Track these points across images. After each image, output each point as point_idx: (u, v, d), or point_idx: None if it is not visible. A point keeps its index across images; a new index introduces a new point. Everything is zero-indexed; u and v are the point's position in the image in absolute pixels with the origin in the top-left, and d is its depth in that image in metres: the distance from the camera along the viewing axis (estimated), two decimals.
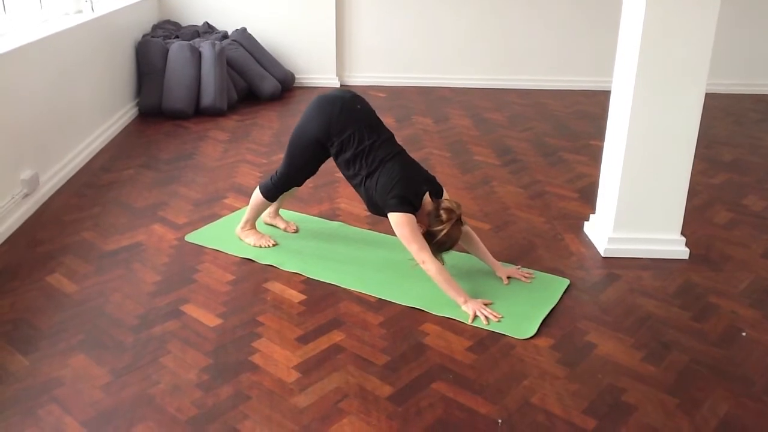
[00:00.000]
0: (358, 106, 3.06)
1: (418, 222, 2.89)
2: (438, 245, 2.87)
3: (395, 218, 2.86)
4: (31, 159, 3.77)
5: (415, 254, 2.84)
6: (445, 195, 3.06)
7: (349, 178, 3.06)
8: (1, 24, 3.97)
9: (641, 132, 3.16)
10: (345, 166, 3.03)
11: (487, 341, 2.64)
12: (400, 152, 3.02)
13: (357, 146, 2.95)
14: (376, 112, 3.15)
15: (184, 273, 3.10)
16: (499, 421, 2.22)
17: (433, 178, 3.07)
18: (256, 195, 3.31)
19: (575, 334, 2.70)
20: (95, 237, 3.44)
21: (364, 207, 3.13)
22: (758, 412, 2.30)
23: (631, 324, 2.78)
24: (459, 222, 2.88)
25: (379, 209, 2.99)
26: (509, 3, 6.59)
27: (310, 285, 3.02)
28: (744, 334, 2.74)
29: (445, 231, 2.83)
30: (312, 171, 3.22)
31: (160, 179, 4.22)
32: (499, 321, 2.74)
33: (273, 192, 3.27)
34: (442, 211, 2.85)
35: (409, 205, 2.88)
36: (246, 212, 3.39)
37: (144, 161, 4.54)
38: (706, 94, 3.16)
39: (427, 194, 2.95)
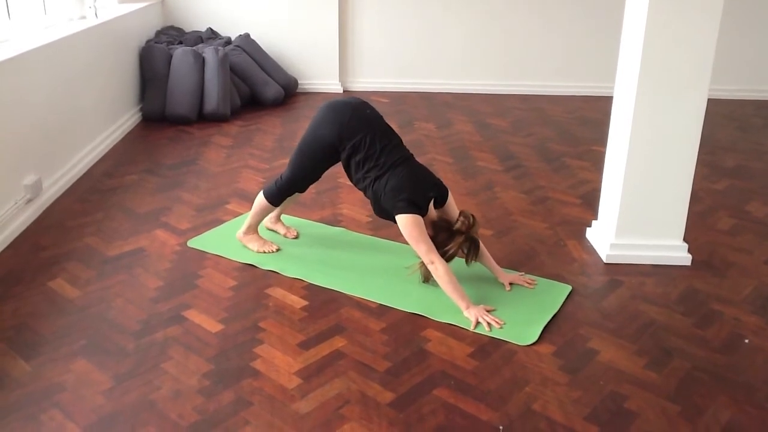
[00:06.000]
0: (368, 111, 3.10)
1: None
2: (446, 258, 2.90)
3: (403, 220, 2.88)
4: (35, 164, 3.78)
5: (424, 255, 2.85)
6: (450, 200, 3.08)
7: (357, 181, 3.08)
8: (5, 30, 3.99)
9: (643, 138, 3.16)
10: (354, 169, 3.04)
11: (488, 347, 2.63)
12: (409, 157, 3.05)
13: (368, 150, 2.98)
14: None
15: (186, 278, 3.11)
16: (501, 427, 2.21)
17: (440, 181, 3.09)
18: (260, 200, 3.31)
19: (577, 340, 2.70)
20: (98, 242, 3.45)
21: (369, 211, 3.14)
22: (761, 419, 2.29)
23: (634, 330, 2.78)
24: (470, 236, 2.93)
25: (385, 213, 3.00)
26: (511, 9, 6.61)
27: (311, 291, 3.02)
28: (747, 341, 2.73)
29: (453, 248, 2.89)
30: (317, 176, 3.23)
31: (163, 184, 4.23)
32: (501, 327, 2.74)
33: (277, 197, 3.27)
34: (461, 218, 2.90)
35: (417, 207, 2.89)
36: (248, 217, 3.38)
37: (147, 167, 4.55)
38: (709, 100, 3.15)
39: (432, 202, 2.98)
